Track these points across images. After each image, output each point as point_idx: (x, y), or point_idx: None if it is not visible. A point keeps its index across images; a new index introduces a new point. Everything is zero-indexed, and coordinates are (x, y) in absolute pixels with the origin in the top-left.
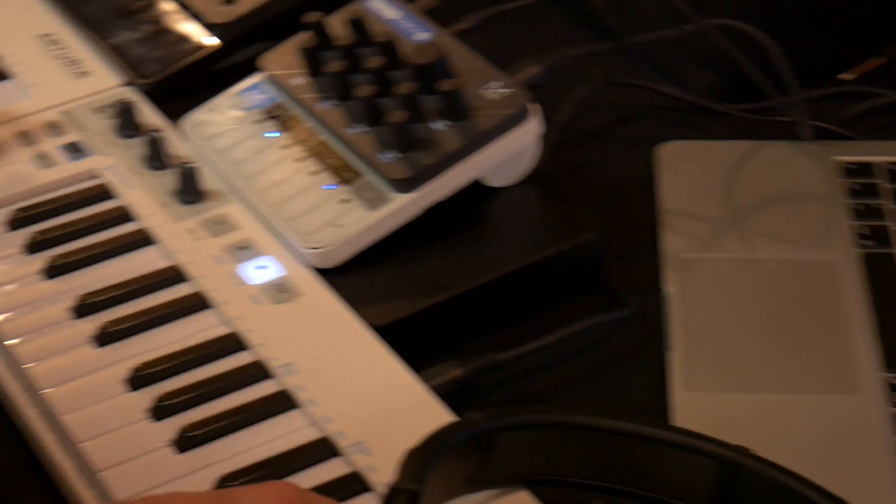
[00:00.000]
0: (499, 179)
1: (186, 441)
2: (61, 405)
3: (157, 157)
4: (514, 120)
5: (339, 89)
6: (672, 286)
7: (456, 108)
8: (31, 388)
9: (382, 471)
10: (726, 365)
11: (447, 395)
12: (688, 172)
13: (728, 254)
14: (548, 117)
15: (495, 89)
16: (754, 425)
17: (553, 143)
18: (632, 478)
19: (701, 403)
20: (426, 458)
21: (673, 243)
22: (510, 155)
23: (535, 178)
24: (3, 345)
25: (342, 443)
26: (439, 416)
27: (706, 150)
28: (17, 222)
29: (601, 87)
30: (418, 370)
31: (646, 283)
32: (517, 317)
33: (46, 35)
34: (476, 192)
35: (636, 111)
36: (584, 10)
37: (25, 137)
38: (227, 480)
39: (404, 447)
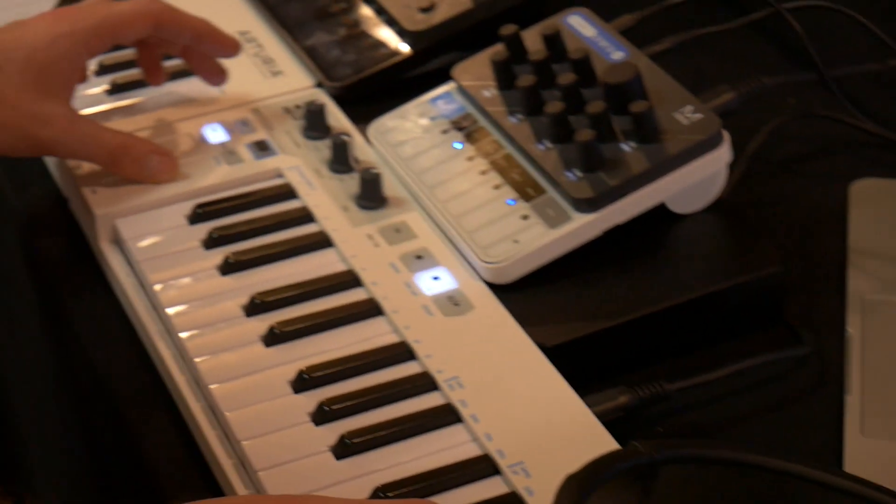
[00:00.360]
0: (683, 205)
1: (346, 448)
2: (225, 402)
3: (341, 161)
4: (705, 146)
5: (529, 104)
6: (854, 328)
7: (646, 131)
8: (198, 381)
9: (540, 493)
10: None
11: (611, 422)
12: (881, 212)
13: None
14: (739, 145)
15: (687, 114)
16: None
17: (742, 171)
18: None
19: (876, 451)
20: (585, 485)
21: (859, 284)
22: (697, 181)
23: (720, 207)
24: (175, 337)
25: (501, 461)
26: (603, 442)
27: None
28: (197, 217)
29: (796, 118)
30: (584, 394)
31: (827, 322)
32: (690, 347)
33: (245, 32)
34: (657, 216)
35: (831, 145)
36: (784, 39)
37: (215, 132)
38: (384, 491)
39: (564, 471)
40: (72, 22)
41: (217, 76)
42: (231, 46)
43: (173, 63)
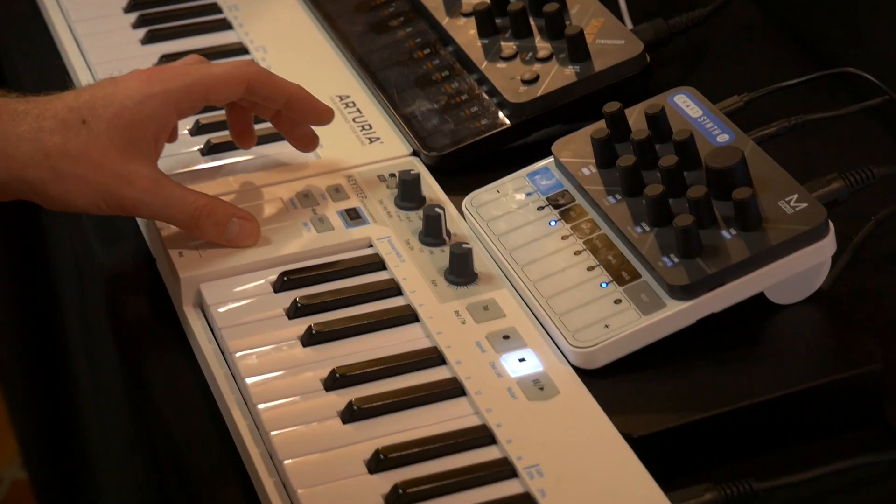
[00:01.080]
0: (782, 296)
1: None
2: (298, 478)
3: (433, 233)
4: (809, 237)
5: (629, 184)
6: None
7: (748, 218)
8: (272, 455)
9: None
10: None
11: None
12: None
13: None
14: (844, 235)
15: (792, 202)
16: None
17: (845, 263)
18: None
19: None
20: None
21: None
22: (799, 272)
23: (820, 298)
24: (252, 407)
25: None
26: None
27: None
28: (283, 285)
29: None
30: (668, 489)
31: None
32: (782, 444)
33: (344, 96)
34: (755, 306)
35: None
36: None
37: (306, 197)
38: None
39: None
40: (164, 82)
41: (308, 144)
42: (324, 114)
43: (268, 126)
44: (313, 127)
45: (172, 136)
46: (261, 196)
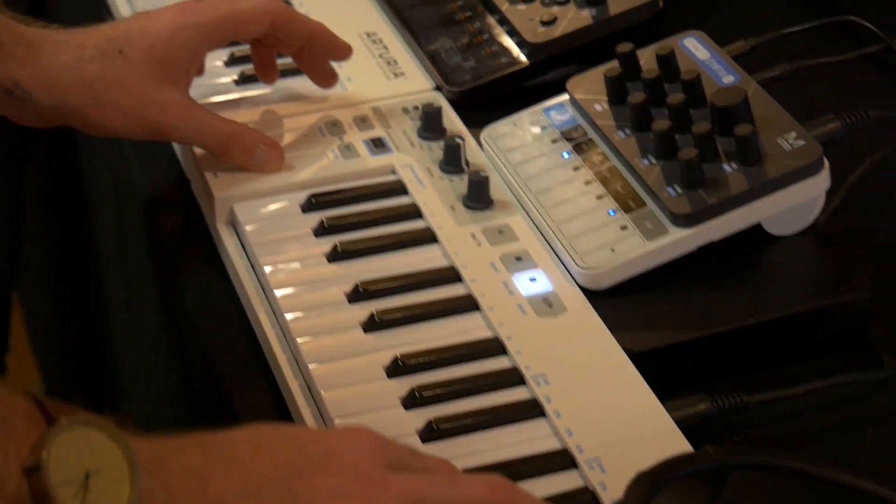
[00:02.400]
0: (777, 227)
1: (433, 432)
2: (322, 381)
3: (453, 162)
4: (804, 172)
5: (638, 120)
6: None
7: (748, 153)
8: (298, 361)
9: (613, 489)
10: None
11: (688, 428)
12: None
13: None
14: (839, 175)
15: (790, 140)
16: None
17: (839, 200)
18: None
19: None
20: (655, 482)
21: None
22: (794, 205)
23: (814, 232)
24: (280, 317)
25: (579, 456)
26: (679, 446)
27: None
28: (311, 206)
29: None
30: (665, 400)
31: None
32: (773, 363)
33: (372, 33)
34: (752, 236)
35: None
36: (894, 73)
37: (334, 126)
38: None
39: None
40: (196, 15)
41: (328, 80)
42: (344, 50)
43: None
44: (336, 64)
45: (200, 68)
46: (292, 125)
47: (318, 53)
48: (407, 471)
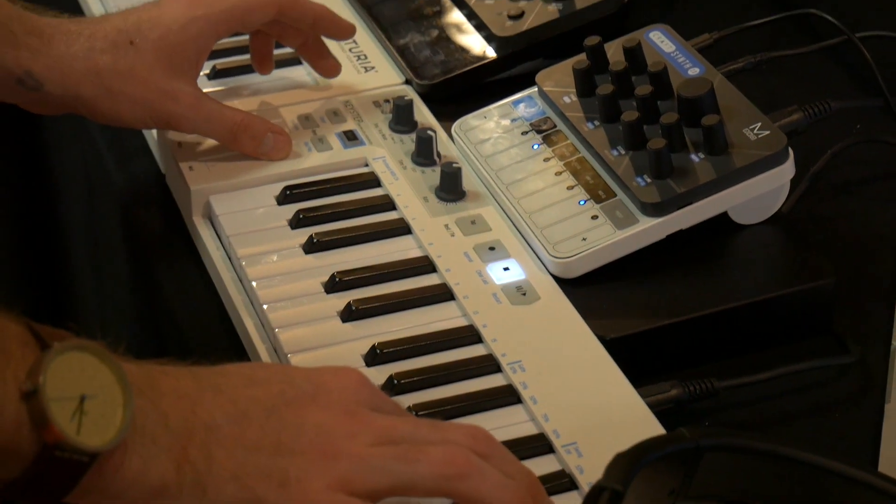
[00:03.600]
0: (745, 216)
1: None
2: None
3: (425, 154)
4: (770, 161)
5: (606, 112)
6: None
7: (715, 143)
8: (277, 351)
9: (590, 472)
10: None
11: (661, 413)
12: None
13: None
14: (803, 164)
15: (756, 130)
16: None
17: (804, 189)
18: None
19: None
20: (633, 463)
21: None
22: (760, 194)
23: (779, 220)
24: (258, 308)
25: (556, 441)
26: (652, 429)
27: None
28: (286, 198)
29: (861, 142)
30: (637, 385)
31: (873, 334)
32: (741, 349)
33: None
34: (719, 225)
35: (893, 170)
36: (855, 66)
37: (307, 119)
38: None
39: (614, 453)
40: (206, 6)
41: (332, 70)
42: (348, 29)
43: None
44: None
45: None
46: (267, 118)
47: (323, 34)
48: (392, 414)
